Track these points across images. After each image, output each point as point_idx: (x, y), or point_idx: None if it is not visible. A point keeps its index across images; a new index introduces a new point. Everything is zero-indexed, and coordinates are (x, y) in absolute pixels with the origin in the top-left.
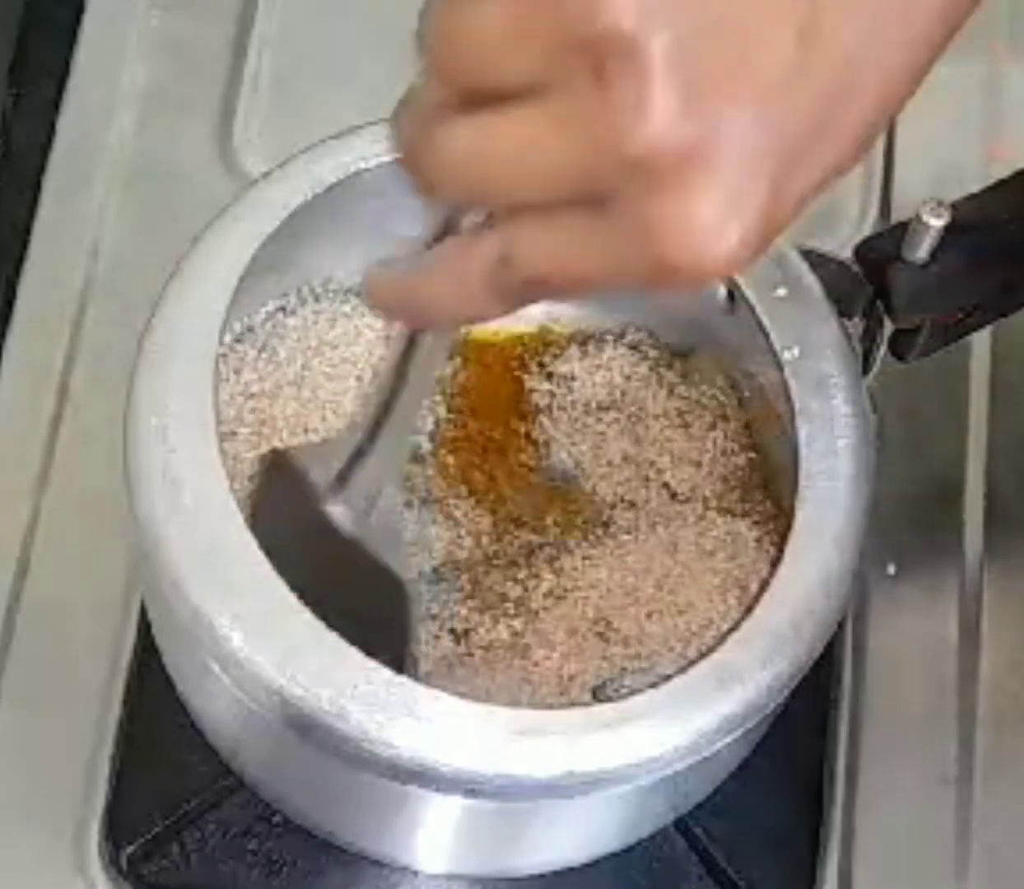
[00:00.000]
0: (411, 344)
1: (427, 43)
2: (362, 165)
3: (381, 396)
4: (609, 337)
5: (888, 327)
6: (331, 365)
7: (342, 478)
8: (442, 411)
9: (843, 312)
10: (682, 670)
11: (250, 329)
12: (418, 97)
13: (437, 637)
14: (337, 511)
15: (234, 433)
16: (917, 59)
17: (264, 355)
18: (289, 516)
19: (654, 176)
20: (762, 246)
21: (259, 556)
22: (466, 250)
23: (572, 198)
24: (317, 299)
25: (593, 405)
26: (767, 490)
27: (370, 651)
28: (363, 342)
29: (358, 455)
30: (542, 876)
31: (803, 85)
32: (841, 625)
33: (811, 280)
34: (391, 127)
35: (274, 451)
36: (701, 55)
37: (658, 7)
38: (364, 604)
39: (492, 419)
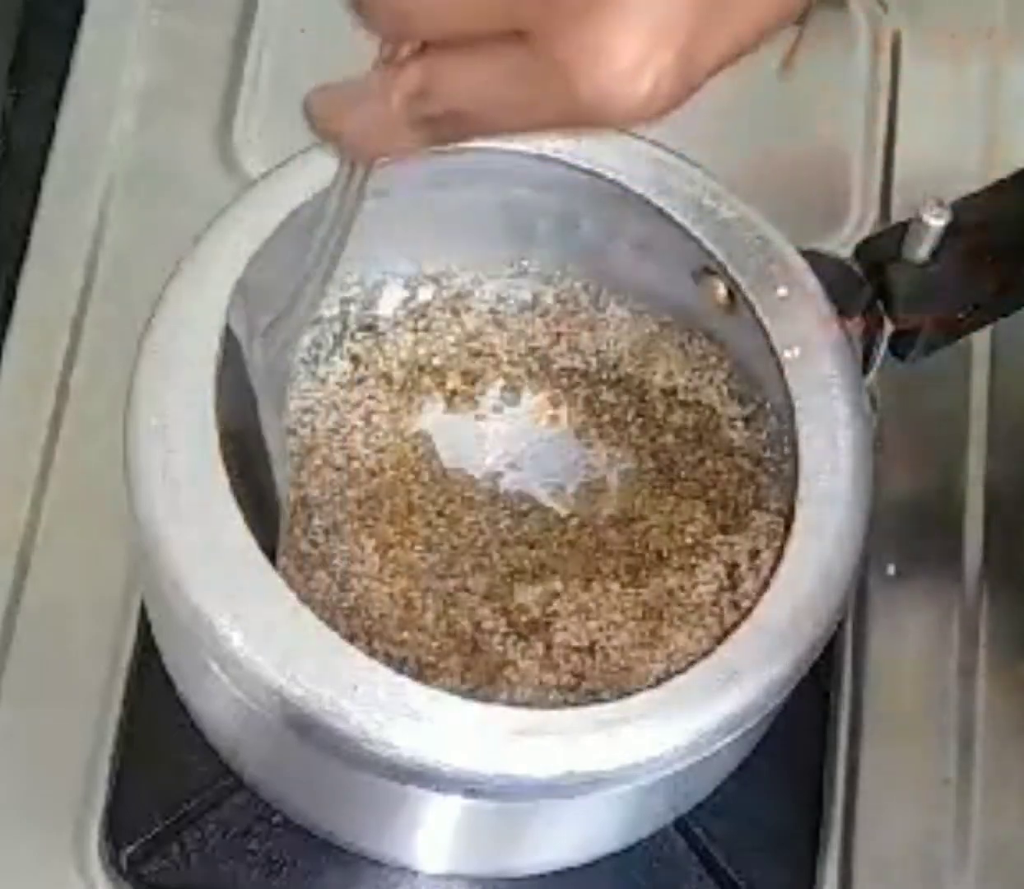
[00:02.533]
0: (344, 186)
1: None
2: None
3: (316, 244)
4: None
5: (888, 327)
6: (331, 363)
7: (270, 325)
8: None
9: (843, 312)
10: (681, 671)
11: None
12: None
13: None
14: (255, 356)
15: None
16: None
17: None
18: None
19: (571, 9)
20: (674, 97)
21: (259, 556)
22: (391, 78)
23: (494, 32)
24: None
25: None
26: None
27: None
28: (362, 341)
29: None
30: (542, 876)
31: None
32: (841, 625)
33: (811, 280)
34: None
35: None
36: None
37: None
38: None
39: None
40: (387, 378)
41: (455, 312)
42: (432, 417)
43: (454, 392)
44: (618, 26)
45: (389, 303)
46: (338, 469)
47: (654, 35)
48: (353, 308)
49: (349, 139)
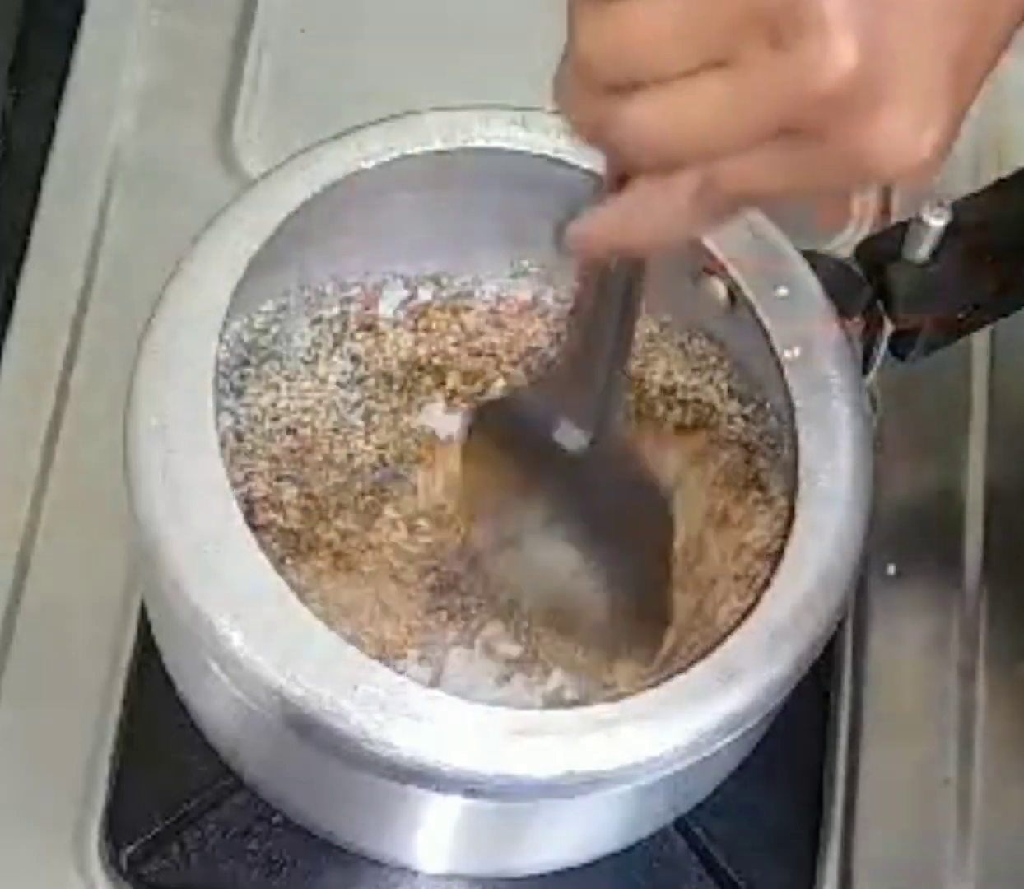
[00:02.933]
0: (602, 281)
1: (583, 50)
2: (362, 165)
3: (585, 336)
4: None
5: (888, 327)
6: (331, 363)
7: (563, 409)
8: None
9: (843, 312)
10: (681, 670)
11: (250, 329)
12: (581, 78)
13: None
14: (566, 436)
15: (235, 432)
16: None
17: (264, 354)
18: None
19: (850, 108)
20: (950, 143)
21: (259, 556)
22: (670, 180)
23: (770, 136)
24: (317, 298)
25: None
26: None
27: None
28: (361, 341)
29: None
30: (542, 876)
31: (957, 11)
32: (841, 625)
33: (811, 280)
34: (560, 106)
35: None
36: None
37: None
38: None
39: None
40: (387, 378)
41: (455, 312)
42: (432, 417)
43: (454, 392)
44: (896, 111)
45: (389, 303)
46: (338, 468)
47: (929, 110)
48: (353, 308)
49: (634, 235)
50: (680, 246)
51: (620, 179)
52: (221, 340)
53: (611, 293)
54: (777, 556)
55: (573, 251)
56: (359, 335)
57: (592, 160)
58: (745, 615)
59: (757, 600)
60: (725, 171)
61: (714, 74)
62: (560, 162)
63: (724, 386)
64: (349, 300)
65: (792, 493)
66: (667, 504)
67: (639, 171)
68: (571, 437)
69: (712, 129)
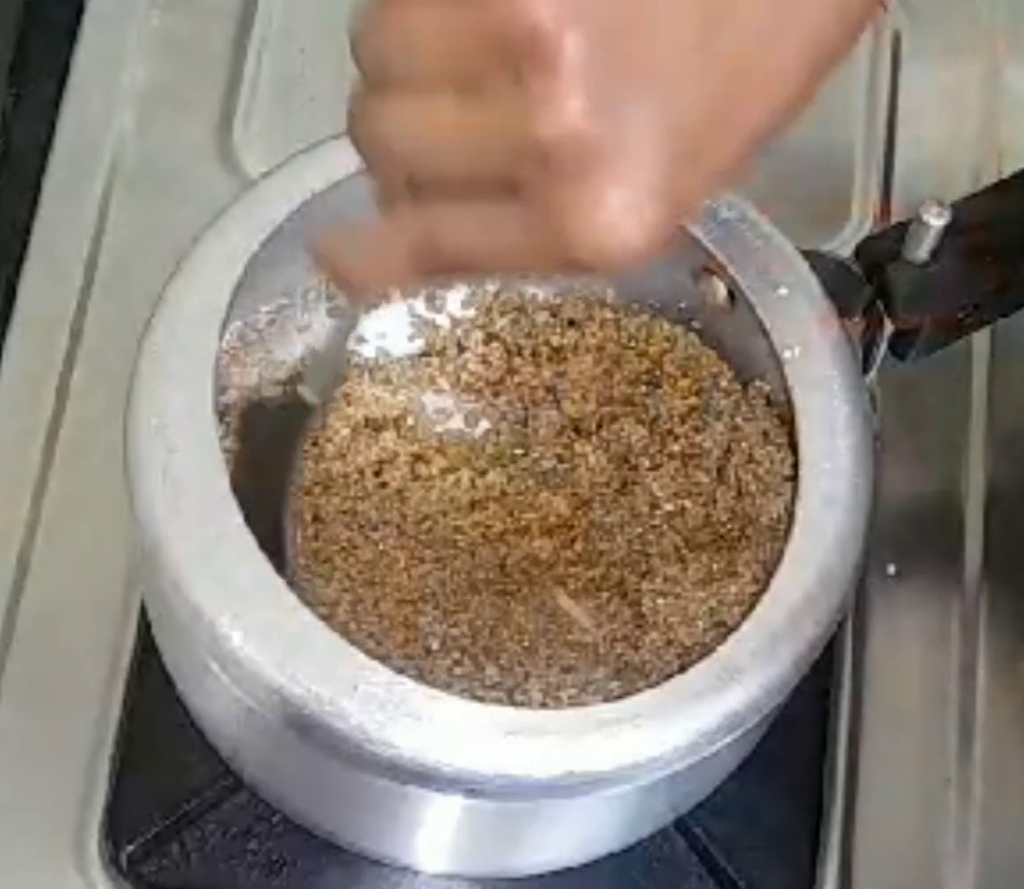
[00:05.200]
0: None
1: (356, 34)
2: (362, 165)
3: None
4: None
5: (888, 327)
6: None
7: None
8: None
9: (843, 312)
10: (681, 670)
11: (250, 328)
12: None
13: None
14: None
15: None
16: (812, 61)
17: (264, 354)
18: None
19: (561, 168)
20: (660, 238)
21: (259, 556)
22: (394, 226)
23: (489, 183)
24: (317, 299)
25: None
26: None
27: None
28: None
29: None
30: (542, 876)
31: (702, 82)
32: (841, 625)
33: (811, 280)
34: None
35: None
36: (610, 53)
37: (570, 10)
38: None
39: None
40: (387, 379)
41: (454, 312)
42: (433, 416)
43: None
44: (606, 183)
45: (391, 304)
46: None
47: (645, 191)
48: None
49: (350, 277)
50: (381, 293)
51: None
52: (221, 340)
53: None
54: (777, 555)
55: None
56: (361, 337)
57: None
58: (745, 615)
59: (756, 600)
60: (442, 218)
61: (455, 93)
62: None
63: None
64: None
65: (792, 493)
66: None
67: (375, 173)
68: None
69: (436, 143)
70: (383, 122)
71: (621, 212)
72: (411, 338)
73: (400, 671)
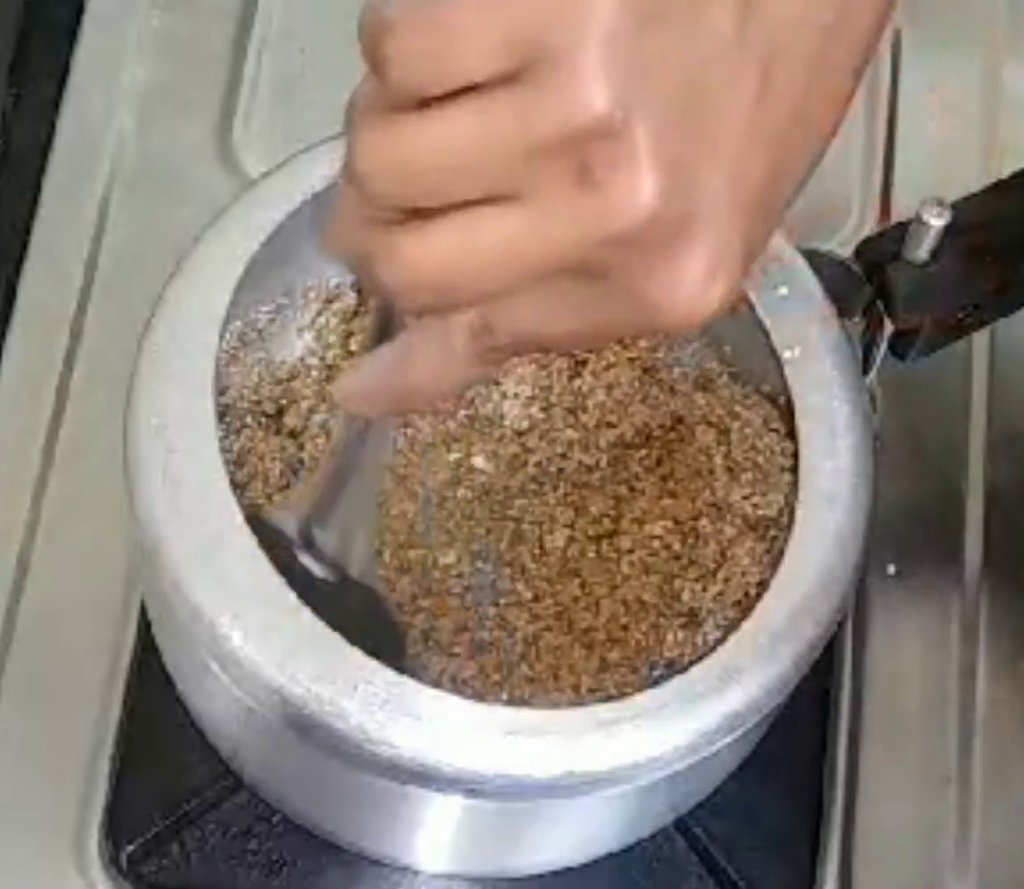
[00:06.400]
0: (361, 431)
1: (361, 168)
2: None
3: (338, 461)
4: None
5: (888, 327)
6: (329, 363)
7: (311, 530)
8: None
9: (843, 312)
10: (682, 670)
11: (250, 328)
12: (356, 202)
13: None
14: (308, 561)
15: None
16: (854, 79)
17: (264, 354)
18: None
19: (645, 251)
20: (738, 288)
21: (259, 556)
22: (444, 326)
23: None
24: (317, 299)
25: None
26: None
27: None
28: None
29: (323, 511)
30: (542, 876)
31: (766, 136)
32: (841, 625)
33: (811, 280)
34: (329, 237)
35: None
36: (676, 127)
37: (630, 93)
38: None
39: None
40: None
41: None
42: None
43: None
44: (692, 255)
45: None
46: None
47: (725, 257)
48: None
49: (409, 395)
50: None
51: (386, 324)
52: (221, 340)
53: (368, 442)
54: (777, 556)
55: (344, 408)
56: (360, 335)
57: None
58: (745, 615)
59: (756, 600)
60: (503, 315)
61: (506, 206)
62: None
63: (723, 382)
64: (349, 300)
65: (792, 493)
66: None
67: (410, 313)
68: (319, 566)
69: (498, 268)
70: (423, 258)
71: (707, 279)
72: None
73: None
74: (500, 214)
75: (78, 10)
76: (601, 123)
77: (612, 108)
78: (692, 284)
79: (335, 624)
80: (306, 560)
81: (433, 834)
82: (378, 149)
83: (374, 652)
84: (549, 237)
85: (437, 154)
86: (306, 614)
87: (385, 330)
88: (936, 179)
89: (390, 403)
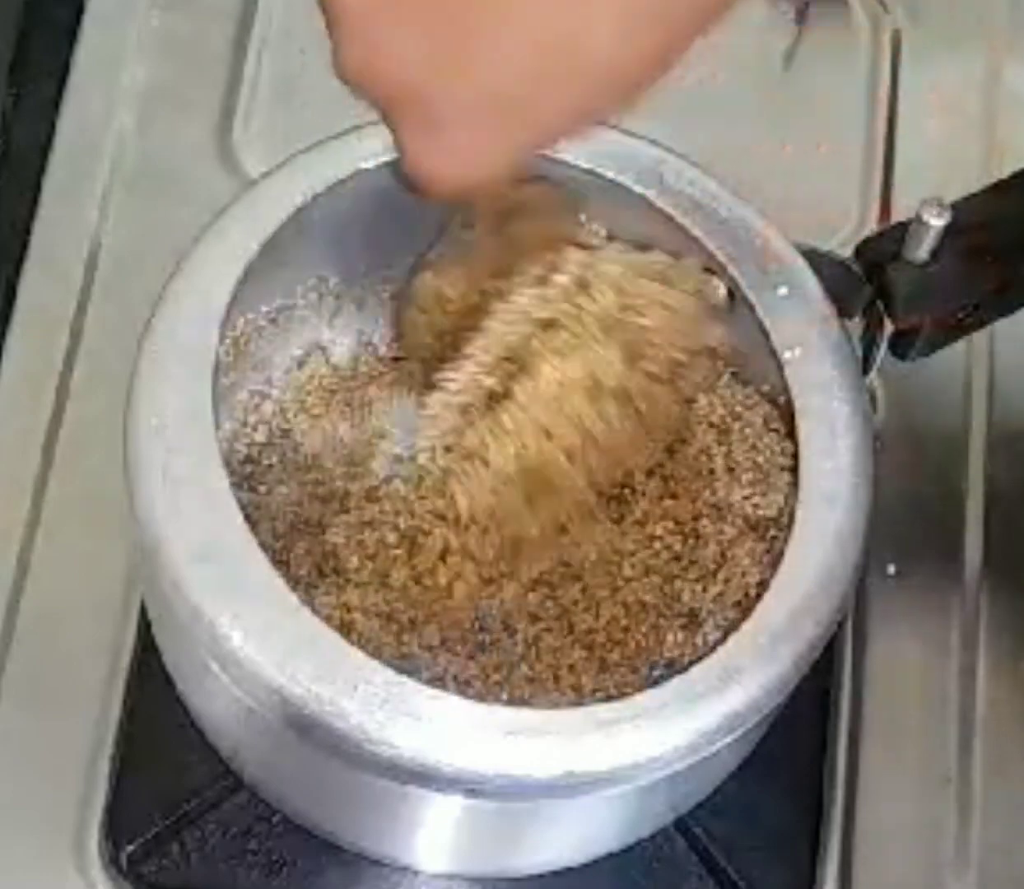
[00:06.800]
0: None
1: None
2: (362, 165)
3: None
4: None
5: (888, 327)
6: (329, 363)
7: None
8: None
9: (843, 312)
10: (682, 670)
11: (250, 328)
12: None
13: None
14: None
15: (234, 432)
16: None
17: (264, 354)
18: None
19: (393, 111)
20: (488, 175)
21: (259, 556)
22: None
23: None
24: (317, 298)
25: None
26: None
27: None
28: (360, 341)
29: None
30: (542, 876)
31: (519, 53)
32: (841, 625)
33: (811, 280)
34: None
35: None
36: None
37: None
38: None
39: None
40: (386, 378)
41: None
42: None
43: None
44: (406, 126)
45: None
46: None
47: (457, 130)
48: (353, 308)
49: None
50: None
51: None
52: (221, 340)
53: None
54: (777, 556)
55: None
56: (361, 336)
57: (592, 160)
58: (745, 615)
59: (756, 600)
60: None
61: None
62: (560, 162)
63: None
64: (349, 300)
65: (792, 493)
66: None
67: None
68: None
69: None
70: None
71: (452, 153)
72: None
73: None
74: None
75: (78, 10)
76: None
77: None
78: (437, 152)
79: None
80: None
81: (433, 834)
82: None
83: None
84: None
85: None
86: (306, 614)
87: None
88: (936, 179)
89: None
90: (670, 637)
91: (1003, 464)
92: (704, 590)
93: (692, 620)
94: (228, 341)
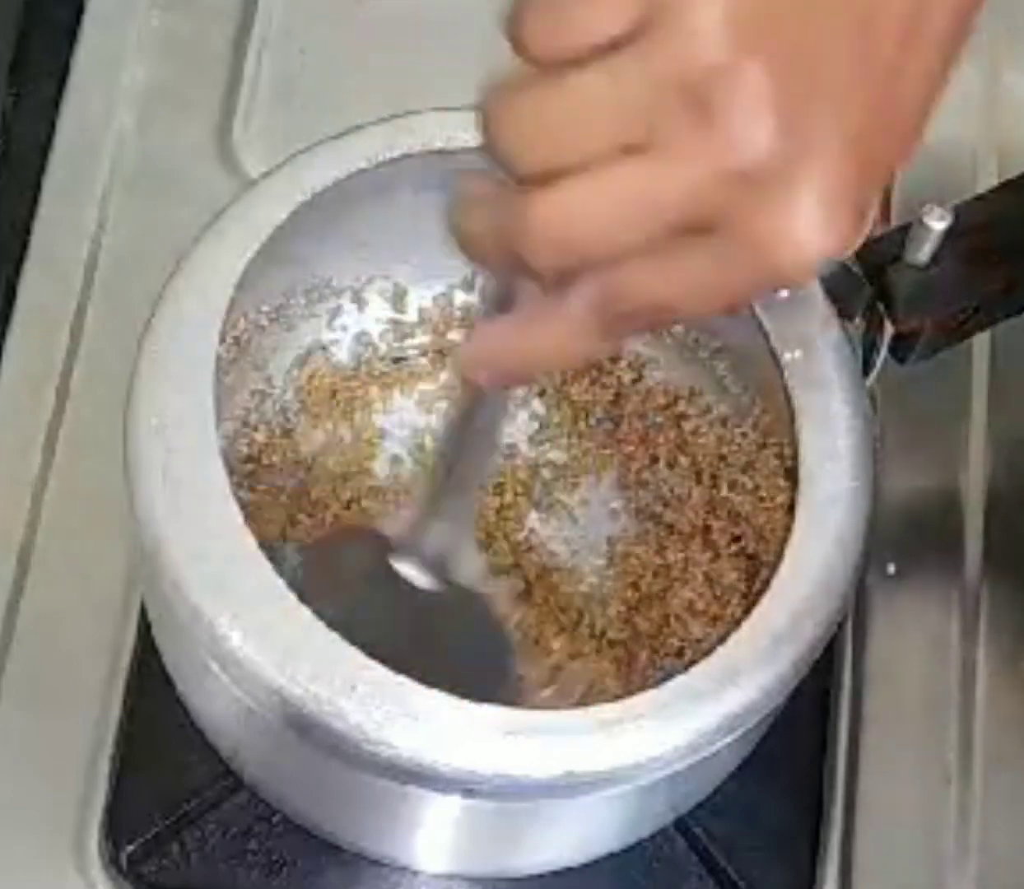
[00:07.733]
0: (470, 409)
1: (503, 143)
2: (362, 165)
3: (445, 459)
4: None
5: (889, 329)
6: (329, 364)
7: (412, 537)
8: None
9: (843, 313)
10: (682, 670)
11: (250, 328)
12: (488, 190)
13: None
14: (406, 568)
15: (232, 431)
16: (949, 46)
17: (263, 354)
18: (353, 580)
19: (760, 189)
20: (851, 242)
21: (259, 556)
22: (566, 292)
23: (676, 232)
24: (317, 299)
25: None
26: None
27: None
28: (360, 341)
29: (426, 516)
30: (542, 876)
31: (867, 84)
32: (841, 625)
33: (811, 281)
34: (456, 218)
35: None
36: (786, 74)
37: (748, 38)
38: (457, 658)
39: None
40: (386, 378)
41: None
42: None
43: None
44: (804, 199)
45: (389, 303)
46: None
47: (828, 198)
48: (353, 308)
49: (528, 363)
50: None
51: (505, 298)
52: (221, 340)
53: (479, 422)
54: (777, 559)
55: (463, 374)
56: (361, 336)
57: None
58: (745, 615)
59: (756, 600)
60: (625, 278)
61: (633, 156)
62: None
63: (724, 384)
64: (349, 300)
65: (792, 493)
66: (509, 653)
67: (533, 281)
68: (417, 576)
69: (626, 214)
70: (554, 216)
71: (823, 222)
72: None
73: None
74: (627, 162)
75: (78, 10)
76: (722, 65)
77: (733, 51)
78: (808, 227)
79: (436, 633)
80: (407, 569)
81: (433, 834)
82: (517, 116)
83: (482, 658)
84: (673, 176)
85: (572, 110)
86: (306, 614)
87: (502, 305)
88: (936, 180)
89: (511, 370)
90: (671, 637)
91: (1003, 464)
92: (704, 590)
93: (692, 620)
94: (228, 341)
